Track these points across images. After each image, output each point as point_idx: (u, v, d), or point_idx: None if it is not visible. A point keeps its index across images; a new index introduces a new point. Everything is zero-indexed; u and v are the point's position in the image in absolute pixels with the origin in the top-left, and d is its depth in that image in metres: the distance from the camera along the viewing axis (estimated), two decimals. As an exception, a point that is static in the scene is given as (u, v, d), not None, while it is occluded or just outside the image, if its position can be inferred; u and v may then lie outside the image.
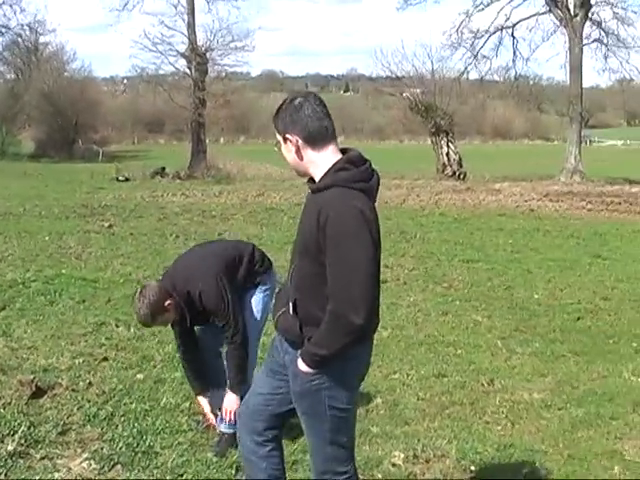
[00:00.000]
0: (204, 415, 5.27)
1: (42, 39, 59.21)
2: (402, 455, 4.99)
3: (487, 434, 5.58)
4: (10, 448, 4.77)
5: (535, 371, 7.17)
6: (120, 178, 29.77)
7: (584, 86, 37.61)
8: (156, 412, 5.62)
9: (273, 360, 3.75)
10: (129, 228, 15.87)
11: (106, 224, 16.17)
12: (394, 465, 4.57)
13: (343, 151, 3.51)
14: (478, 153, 52.26)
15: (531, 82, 64.20)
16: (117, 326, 8.00)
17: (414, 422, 5.80)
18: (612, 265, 13.31)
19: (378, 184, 3.52)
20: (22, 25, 53.68)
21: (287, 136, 3.44)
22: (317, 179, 3.44)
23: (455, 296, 10.25)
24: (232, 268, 5.07)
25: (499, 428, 5.72)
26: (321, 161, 3.44)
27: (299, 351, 3.46)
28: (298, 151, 3.45)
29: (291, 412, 3.72)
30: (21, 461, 4.72)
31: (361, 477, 4.66)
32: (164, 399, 5.85)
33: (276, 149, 3.57)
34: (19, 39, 57.07)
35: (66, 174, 32.54)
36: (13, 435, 4.98)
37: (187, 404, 5.76)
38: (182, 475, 4.64)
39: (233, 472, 4.71)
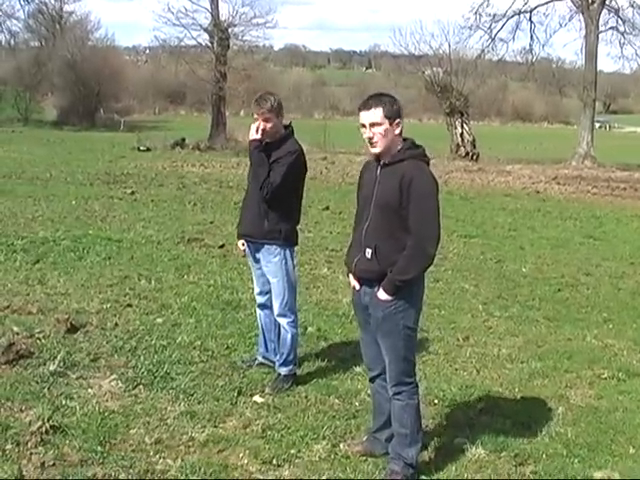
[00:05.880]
0: None
1: (67, 7, 60.19)
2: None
3: (453, 377, 6.48)
4: (52, 368, 5.81)
5: (508, 331, 8.04)
6: (141, 148, 30.49)
7: (607, 71, 38.02)
8: (172, 347, 6.61)
9: (360, 315, 4.79)
10: (150, 195, 16.87)
11: (128, 191, 17.17)
12: (368, 395, 5.47)
13: None
14: (496, 134, 52.53)
15: (554, 65, 64.20)
16: (139, 279, 9.00)
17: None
18: (602, 245, 14.12)
19: None
20: (47, -7, 54.50)
21: (398, 120, 4.50)
22: (389, 156, 4.49)
23: (448, 266, 11.09)
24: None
25: (465, 374, 6.63)
26: (399, 141, 4.54)
27: (379, 285, 4.47)
28: (400, 133, 4.52)
29: None
30: (61, 379, 5.74)
31: (344, 404, 5.63)
32: (179, 338, 6.84)
33: (365, 130, 4.50)
34: (44, 7, 57.95)
35: (88, 142, 33.41)
36: (53, 360, 5.99)
37: (199, 342, 6.77)
38: (192, 395, 5.63)
39: (235, 394, 5.68)
